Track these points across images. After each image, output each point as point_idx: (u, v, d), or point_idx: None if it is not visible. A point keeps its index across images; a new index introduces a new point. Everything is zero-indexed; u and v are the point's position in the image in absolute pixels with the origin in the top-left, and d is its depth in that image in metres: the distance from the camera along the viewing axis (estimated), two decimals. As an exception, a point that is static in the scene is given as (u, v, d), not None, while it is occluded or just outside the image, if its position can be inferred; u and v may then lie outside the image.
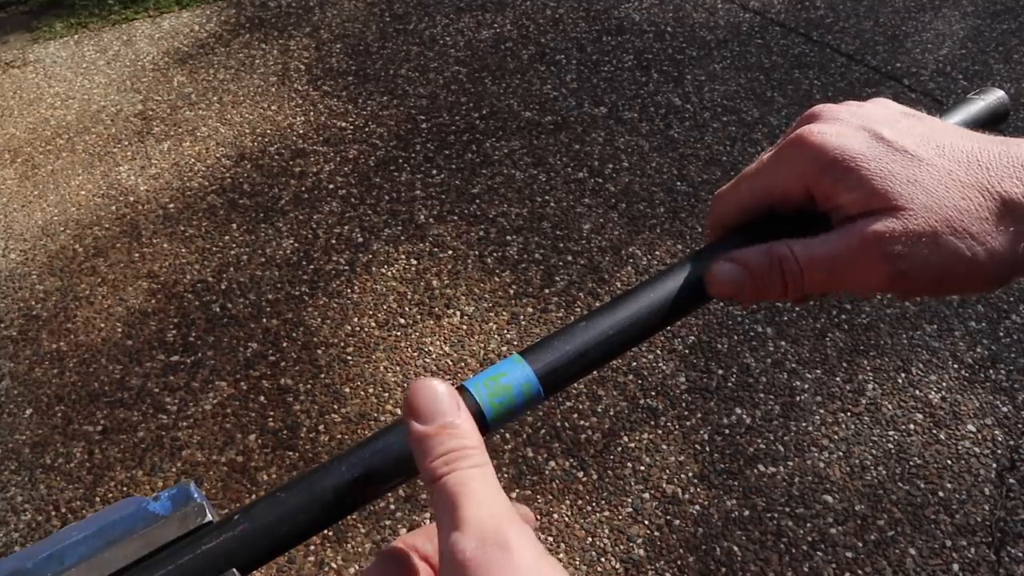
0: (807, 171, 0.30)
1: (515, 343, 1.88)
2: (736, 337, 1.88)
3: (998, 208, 0.28)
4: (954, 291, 0.30)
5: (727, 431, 1.68)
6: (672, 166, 2.39)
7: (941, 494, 1.56)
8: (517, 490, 1.60)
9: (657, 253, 2.11)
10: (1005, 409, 1.70)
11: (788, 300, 0.32)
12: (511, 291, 2.02)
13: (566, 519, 1.55)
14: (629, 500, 1.58)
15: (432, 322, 1.95)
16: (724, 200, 0.35)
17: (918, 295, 0.30)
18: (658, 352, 1.85)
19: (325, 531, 1.40)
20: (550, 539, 1.52)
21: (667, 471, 1.62)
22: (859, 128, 0.31)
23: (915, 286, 0.29)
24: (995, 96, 0.39)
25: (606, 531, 1.53)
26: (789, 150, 0.31)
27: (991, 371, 1.78)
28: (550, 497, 1.59)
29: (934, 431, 1.67)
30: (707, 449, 1.65)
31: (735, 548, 1.49)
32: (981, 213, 0.28)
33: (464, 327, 1.93)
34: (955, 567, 1.44)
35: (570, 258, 2.11)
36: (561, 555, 1.50)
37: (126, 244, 2.25)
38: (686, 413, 1.72)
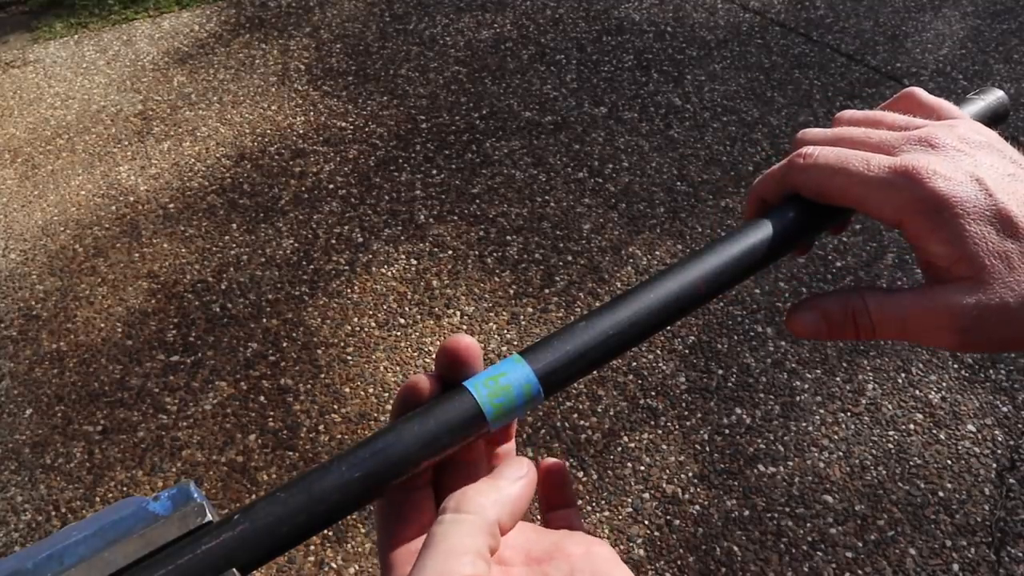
0: (908, 207, 0.30)
1: (515, 343, 1.88)
2: (736, 337, 1.88)
3: None
4: (1017, 350, 0.31)
5: (727, 431, 1.68)
6: (672, 166, 2.39)
7: (941, 494, 1.56)
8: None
9: (657, 253, 2.11)
10: (1005, 409, 1.70)
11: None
12: (511, 291, 2.02)
13: (566, 519, 1.55)
14: (629, 500, 1.58)
15: (432, 322, 1.95)
16: (785, 181, 0.34)
17: (981, 352, 0.32)
18: (658, 352, 1.85)
19: (325, 531, 1.40)
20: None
21: (667, 471, 1.62)
22: (971, 177, 0.30)
23: (980, 349, 0.31)
24: (995, 96, 0.39)
25: (606, 531, 1.53)
26: (898, 178, 0.31)
27: (991, 371, 1.78)
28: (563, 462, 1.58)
29: (934, 431, 1.67)
30: (707, 449, 1.65)
31: (735, 548, 1.49)
32: None
33: (464, 327, 1.93)
34: (955, 567, 1.45)
35: (570, 258, 2.11)
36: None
37: (126, 244, 2.25)
38: (686, 413, 1.72)
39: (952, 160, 0.31)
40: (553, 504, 0.34)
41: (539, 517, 0.34)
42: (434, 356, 1.95)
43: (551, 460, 0.35)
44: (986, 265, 0.29)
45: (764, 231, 0.33)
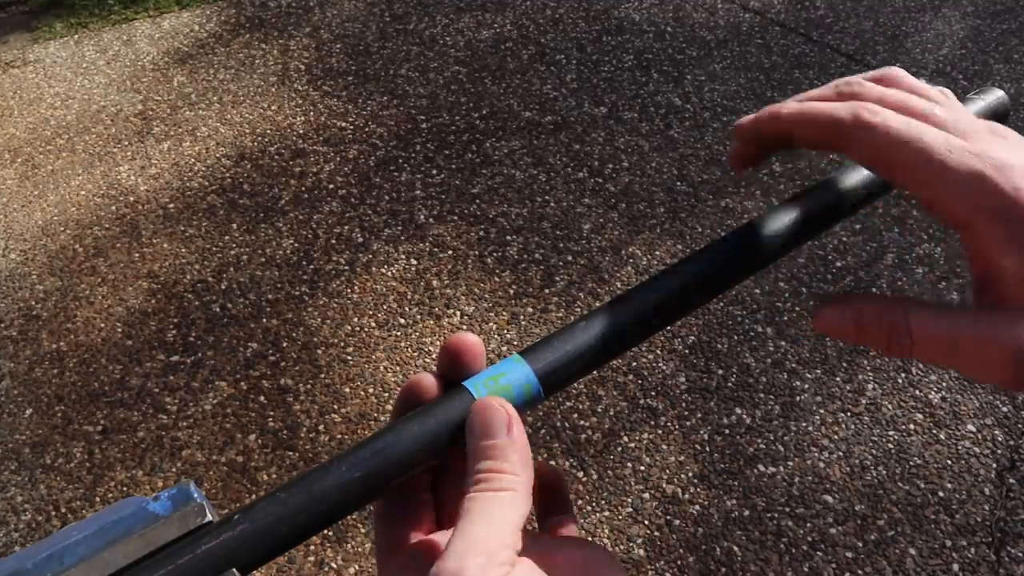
0: (985, 208, 0.25)
1: (515, 343, 1.88)
2: (736, 337, 1.88)
3: None
4: None
5: (727, 431, 1.68)
6: (672, 166, 2.39)
7: (941, 494, 1.56)
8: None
9: (657, 253, 2.11)
10: (1005, 409, 1.70)
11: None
12: (511, 291, 2.02)
13: (566, 519, 1.55)
14: (629, 500, 1.58)
15: (432, 322, 1.95)
16: (839, 133, 0.29)
17: None
18: (658, 352, 1.85)
19: (325, 531, 1.40)
20: (550, 539, 1.52)
21: (667, 471, 1.62)
22: None
23: None
24: (995, 96, 0.39)
25: (606, 531, 1.53)
26: (984, 172, 0.26)
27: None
28: (563, 474, 1.58)
29: (934, 431, 1.67)
30: (707, 449, 1.65)
31: (735, 548, 1.49)
32: None
33: (464, 327, 1.93)
34: (955, 567, 1.45)
35: (570, 258, 2.11)
36: (561, 555, 1.50)
37: (126, 244, 2.25)
38: (686, 413, 1.72)
39: None
40: (550, 511, 0.33)
41: (535, 524, 0.34)
42: (434, 356, 1.95)
43: (547, 465, 0.33)
44: None
45: (771, 225, 0.33)
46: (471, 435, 0.27)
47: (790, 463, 1.62)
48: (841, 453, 1.63)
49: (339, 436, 1.72)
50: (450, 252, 2.15)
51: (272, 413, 1.77)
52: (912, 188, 0.27)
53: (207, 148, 2.58)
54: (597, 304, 1.98)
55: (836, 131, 0.29)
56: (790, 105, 0.30)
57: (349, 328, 1.96)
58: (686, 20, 3.10)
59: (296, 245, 2.20)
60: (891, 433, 1.66)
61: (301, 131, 2.62)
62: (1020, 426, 1.67)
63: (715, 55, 2.88)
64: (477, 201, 2.30)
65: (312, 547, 1.53)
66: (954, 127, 0.28)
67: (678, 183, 2.33)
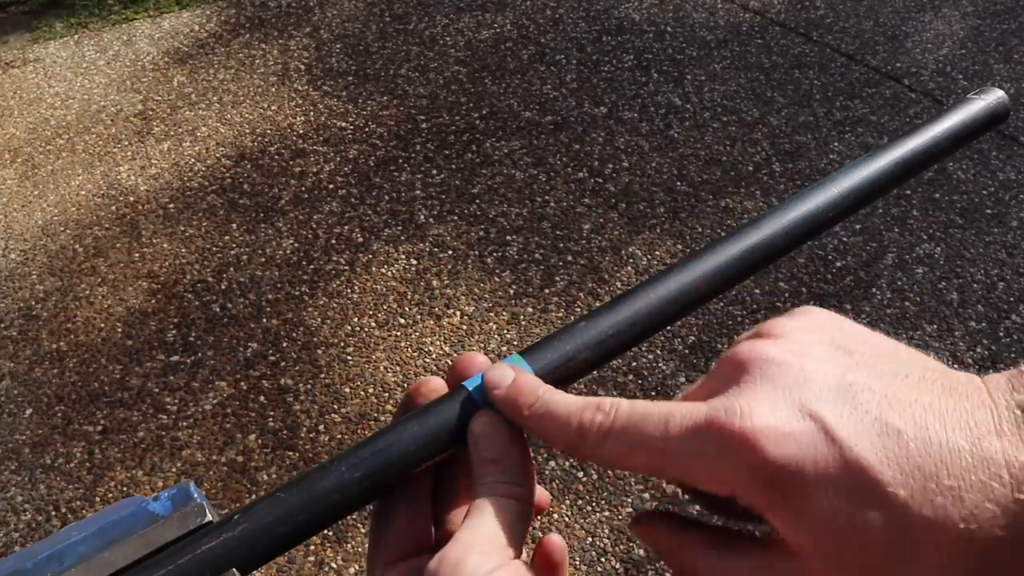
0: (735, 479, 0.22)
1: (515, 343, 1.88)
2: (736, 337, 1.88)
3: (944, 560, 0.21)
4: None
5: (727, 431, 1.68)
6: (672, 166, 2.39)
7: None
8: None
9: (657, 253, 2.11)
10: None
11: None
12: (511, 291, 2.02)
13: (566, 519, 1.55)
14: (629, 500, 1.58)
15: (432, 322, 1.95)
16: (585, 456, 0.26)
17: None
18: (658, 352, 1.85)
19: (325, 531, 1.40)
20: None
21: (667, 471, 1.62)
22: (802, 413, 0.22)
23: None
24: (995, 96, 0.39)
25: (606, 531, 1.53)
26: (711, 441, 0.23)
27: (991, 371, 1.78)
28: (551, 497, 1.59)
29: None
30: (707, 449, 1.65)
31: (735, 548, 1.49)
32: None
33: (464, 327, 1.93)
34: (955, 567, 1.44)
35: (570, 258, 2.11)
36: (561, 555, 1.50)
37: (126, 244, 2.25)
38: (686, 413, 1.72)
39: (775, 391, 0.23)
40: None
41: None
42: (434, 356, 1.94)
43: (553, 538, 0.31)
44: (818, 558, 0.21)
45: (755, 236, 0.33)
46: (477, 445, 0.27)
47: (790, 463, 1.62)
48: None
49: (339, 436, 1.72)
50: (450, 252, 2.15)
51: (272, 413, 1.77)
52: (674, 481, 0.25)
53: (207, 148, 2.58)
54: (597, 304, 1.98)
55: (569, 448, 0.26)
56: (537, 406, 0.27)
57: (349, 328, 1.96)
58: (686, 20, 3.10)
59: (296, 245, 2.20)
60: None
61: (301, 131, 2.62)
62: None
63: (715, 55, 2.88)
64: (477, 201, 2.30)
65: (312, 547, 1.53)
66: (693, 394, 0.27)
67: (678, 183, 2.33)
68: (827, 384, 0.23)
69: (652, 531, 0.27)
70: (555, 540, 0.31)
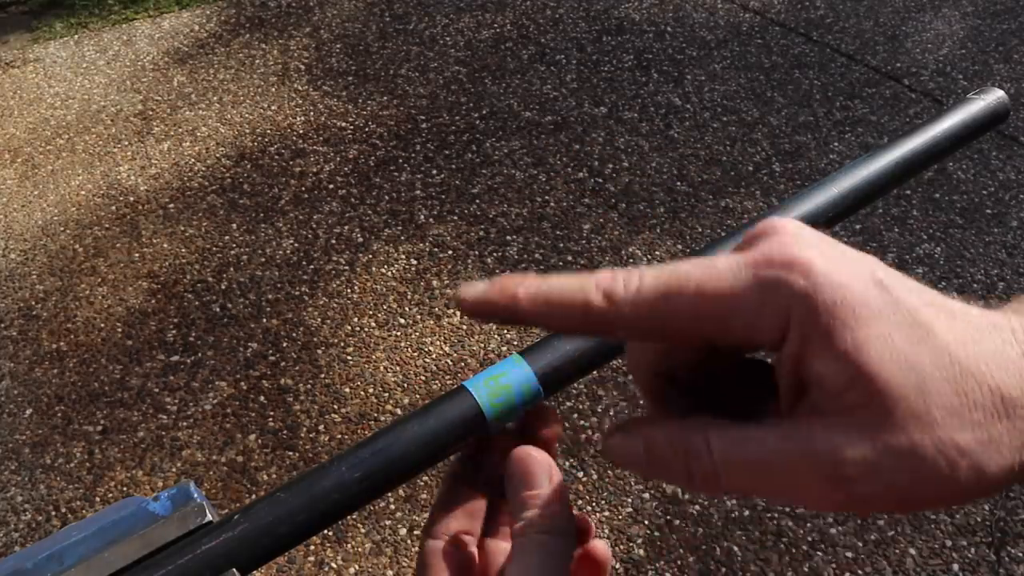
0: (788, 310, 0.21)
1: (515, 343, 1.88)
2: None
3: (996, 407, 0.20)
4: (917, 509, 0.23)
5: (727, 431, 1.68)
6: (672, 166, 2.39)
7: (941, 494, 1.56)
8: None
9: (657, 253, 2.11)
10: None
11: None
12: (511, 291, 2.02)
13: (566, 519, 1.55)
14: (629, 500, 1.58)
15: (432, 322, 1.95)
16: (648, 327, 0.23)
17: (858, 512, 0.22)
18: (658, 352, 1.85)
19: (325, 531, 1.40)
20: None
21: (667, 471, 1.62)
22: (859, 267, 0.21)
23: (869, 509, 0.21)
24: (995, 96, 0.39)
25: (606, 531, 1.53)
26: (766, 272, 0.21)
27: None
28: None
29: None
30: (707, 449, 1.65)
31: (735, 548, 1.49)
32: (975, 416, 0.20)
33: (464, 327, 1.93)
34: (955, 567, 1.45)
35: (570, 258, 2.11)
36: (561, 555, 1.50)
37: (126, 244, 2.25)
38: (686, 413, 1.72)
39: (826, 246, 0.22)
40: None
41: None
42: (434, 356, 1.93)
43: (599, 545, 0.30)
44: (895, 384, 0.20)
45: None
46: (513, 482, 0.28)
47: (790, 463, 1.62)
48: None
49: (339, 436, 1.72)
50: (450, 252, 2.15)
51: (272, 413, 1.77)
52: (711, 338, 0.22)
53: (207, 148, 2.58)
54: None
55: (587, 317, 0.23)
56: (529, 285, 0.23)
57: (349, 328, 1.96)
58: (686, 20, 3.10)
59: (296, 245, 2.20)
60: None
61: (301, 131, 2.62)
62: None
63: (715, 55, 2.88)
64: (477, 201, 2.30)
65: (312, 547, 1.53)
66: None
67: (678, 183, 2.33)
68: (863, 258, 0.22)
69: (648, 426, 0.24)
70: (600, 548, 0.30)
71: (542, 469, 0.28)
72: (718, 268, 0.22)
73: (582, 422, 1.71)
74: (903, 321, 0.21)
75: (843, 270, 0.21)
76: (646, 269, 0.23)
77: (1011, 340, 0.21)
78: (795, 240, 0.22)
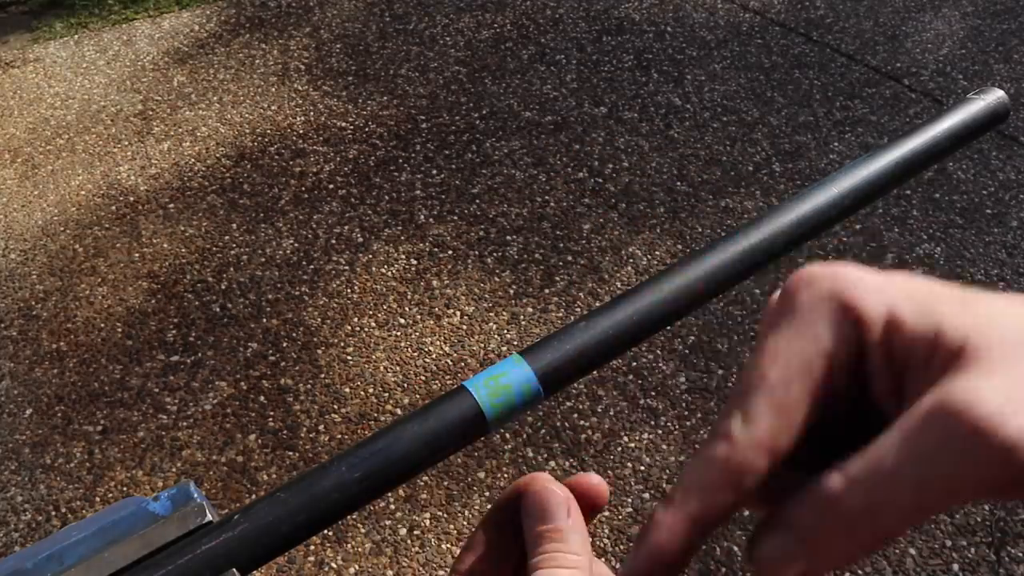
0: (989, 478, 0.17)
1: (515, 343, 1.88)
2: (736, 337, 1.88)
3: None
4: None
5: (727, 431, 1.68)
6: (672, 166, 2.39)
7: (941, 494, 1.55)
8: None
9: (657, 253, 2.11)
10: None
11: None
12: (511, 291, 2.02)
13: (566, 519, 1.55)
14: (629, 500, 1.58)
15: (432, 322, 1.95)
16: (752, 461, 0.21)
17: None
18: (658, 352, 1.85)
19: (325, 531, 1.40)
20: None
21: (667, 471, 1.62)
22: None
23: None
24: (995, 96, 0.39)
25: (606, 531, 1.53)
26: (941, 434, 0.18)
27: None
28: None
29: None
30: (707, 449, 1.65)
31: (735, 548, 1.49)
32: None
33: (464, 327, 1.93)
34: (955, 567, 1.44)
35: (570, 258, 2.11)
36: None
37: (126, 244, 2.25)
38: (686, 413, 1.72)
39: (1004, 362, 0.19)
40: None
41: None
42: (435, 356, 1.93)
43: (593, 479, 0.29)
44: (984, 333, 0.19)
45: (755, 236, 0.33)
46: (530, 517, 0.27)
47: (790, 463, 1.62)
48: (841, 453, 1.63)
49: (339, 436, 1.72)
50: (450, 252, 2.15)
51: (272, 413, 1.77)
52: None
53: (207, 148, 2.58)
54: (597, 304, 1.98)
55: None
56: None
57: (349, 328, 1.96)
58: (686, 20, 3.10)
59: (296, 245, 2.20)
60: (891, 433, 1.66)
61: (301, 131, 2.62)
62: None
63: (715, 55, 2.88)
64: (477, 201, 2.30)
65: (312, 547, 1.53)
66: None
67: (678, 183, 2.33)
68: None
69: (785, 513, 0.20)
70: (593, 480, 0.29)
71: (559, 503, 0.27)
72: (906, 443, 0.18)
73: (582, 422, 1.71)
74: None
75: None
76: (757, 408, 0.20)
77: None
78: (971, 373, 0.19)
